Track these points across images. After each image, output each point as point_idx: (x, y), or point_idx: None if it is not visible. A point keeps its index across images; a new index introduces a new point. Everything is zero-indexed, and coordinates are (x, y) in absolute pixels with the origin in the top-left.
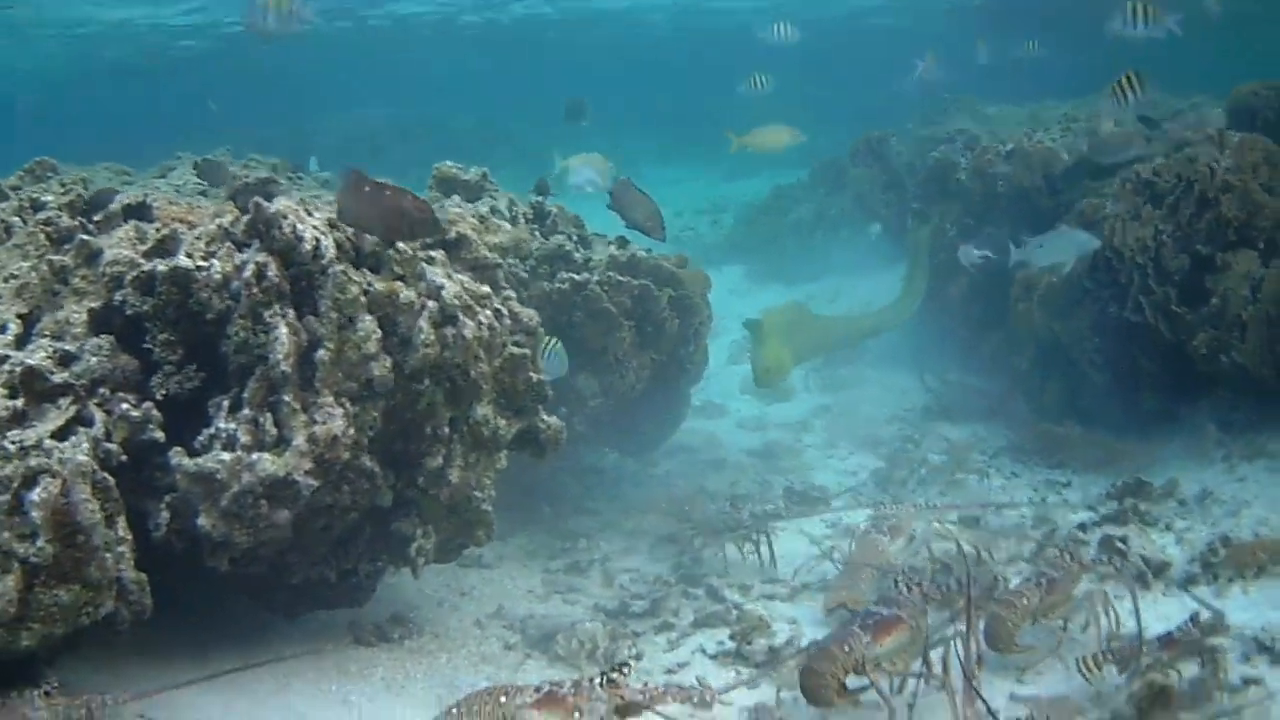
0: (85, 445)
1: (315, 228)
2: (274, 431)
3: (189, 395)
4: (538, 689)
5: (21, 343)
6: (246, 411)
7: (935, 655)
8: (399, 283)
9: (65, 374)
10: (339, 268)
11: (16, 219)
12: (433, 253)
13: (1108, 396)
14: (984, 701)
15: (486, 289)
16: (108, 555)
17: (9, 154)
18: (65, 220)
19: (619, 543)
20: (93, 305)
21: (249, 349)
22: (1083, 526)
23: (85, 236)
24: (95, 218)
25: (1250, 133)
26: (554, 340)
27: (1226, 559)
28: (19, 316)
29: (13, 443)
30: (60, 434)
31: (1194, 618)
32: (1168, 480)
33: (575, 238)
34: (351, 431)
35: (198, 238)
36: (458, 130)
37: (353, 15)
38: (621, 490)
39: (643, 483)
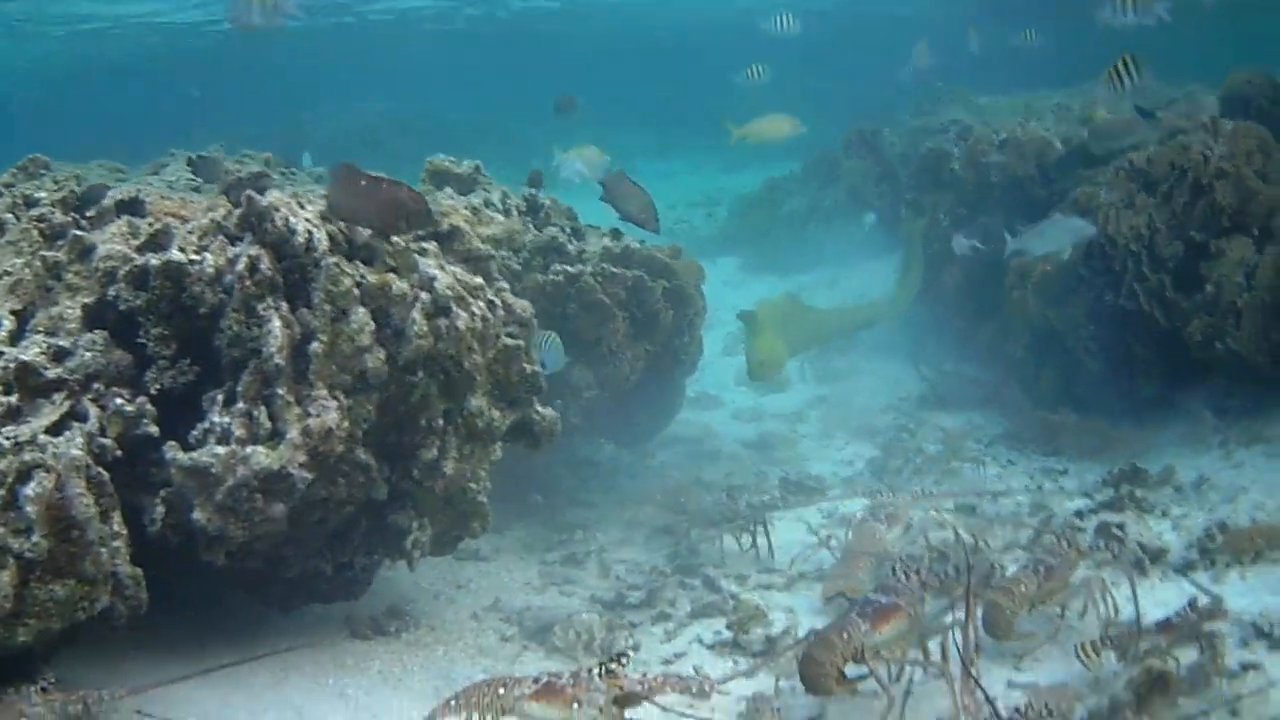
0: (79, 440)
1: (308, 220)
2: (268, 425)
3: (183, 390)
4: (536, 680)
5: (15, 339)
6: (240, 405)
7: (934, 643)
8: (392, 274)
9: (59, 369)
10: (332, 260)
11: (9, 216)
12: (425, 244)
13: (1103, 384)
14: (982, 689)
15: (479, 280)
16: (103, 550)
17: (5, 152)
18: (58, 216)
19: (615, 534)
20: (86, 301)
21: (242, 342)
22: (1079, 514)
23: (78, 232)
24: (88, 213)
25: (1244, 120)
26: (551, 335)
27: (1224, 545)
28: (13, 313)
29: (7, 438)
30: (55, 429)
31: (1192, 603)
32: (1164, 467)
33: (569, 230)
34: (346, 424)
35: (190, 232)
36: (453, 124)
37: (351, 10)
38: (617, 482)
39: (638, 474)
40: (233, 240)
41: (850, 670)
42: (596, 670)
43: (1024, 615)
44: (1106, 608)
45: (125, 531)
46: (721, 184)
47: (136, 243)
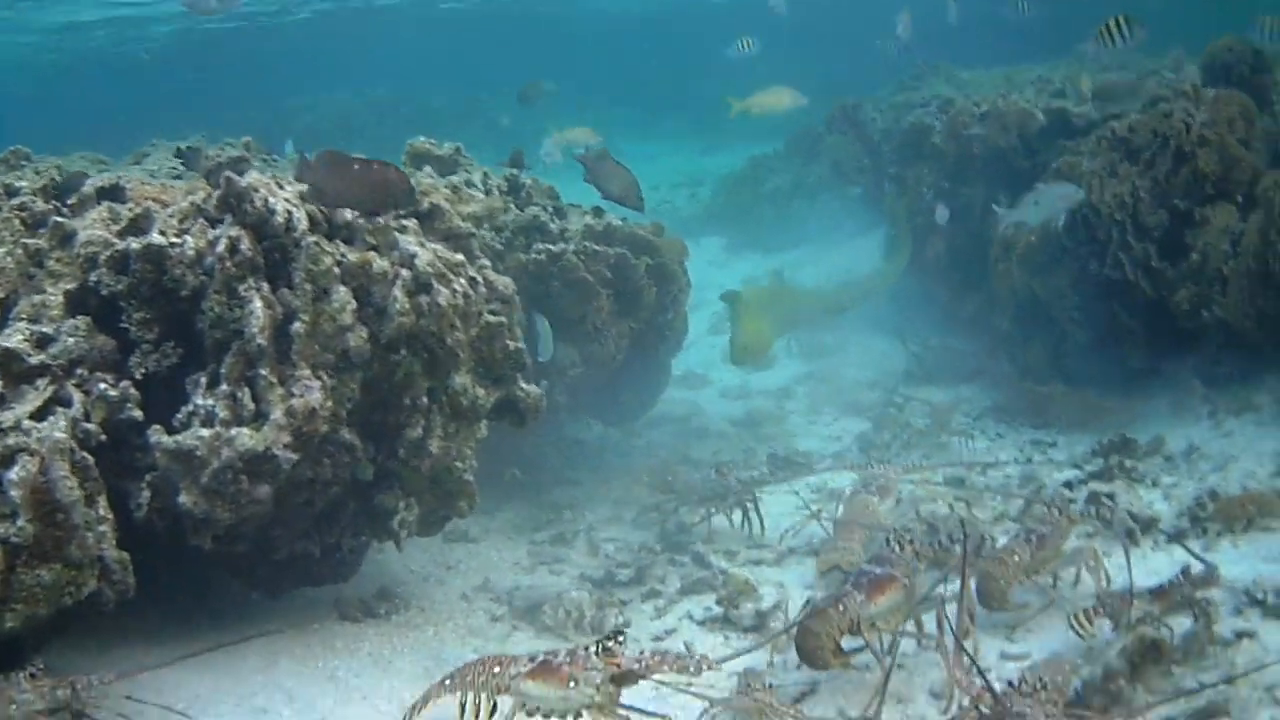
0: (63, 424)
1: (287, 200)
2: (252, 406)
3: (168, 373)
4: (532, 658)
5: None
6: (224, 387)
7: (928, 615)
8: (372, 253)
9: (42, 355)
10: (312, 239)
11: None
12: (405, 222)
13: (1091, 354)
14: (973, 660)
15: (460, 257)
16: (89, 534)
17: None
18: (39, 205)
19: (604, 512)
20: (68, 287)
21: (224, 324)
22: (1069, 484)
23: (59, 219)
24: (69, 201)
25: (1225, 88)
26: (543, 321)
27: (1215, 513)
28: None
29: None
30: (38, 415)
31: (1185, 570)
32: (1154, 437)
33: (550, 209)
34: (330, 404)
35: (170, 215)
36: (436, 109)
37: None
38: (605, 460)
39: (626, 453)
40: (213, 222)
41: (847, 644)
42: (593, 649)
43: (1017, 585)
44: (1099, 577)
45: (111, 516)
46: (703, 165)
47: (117, 228)
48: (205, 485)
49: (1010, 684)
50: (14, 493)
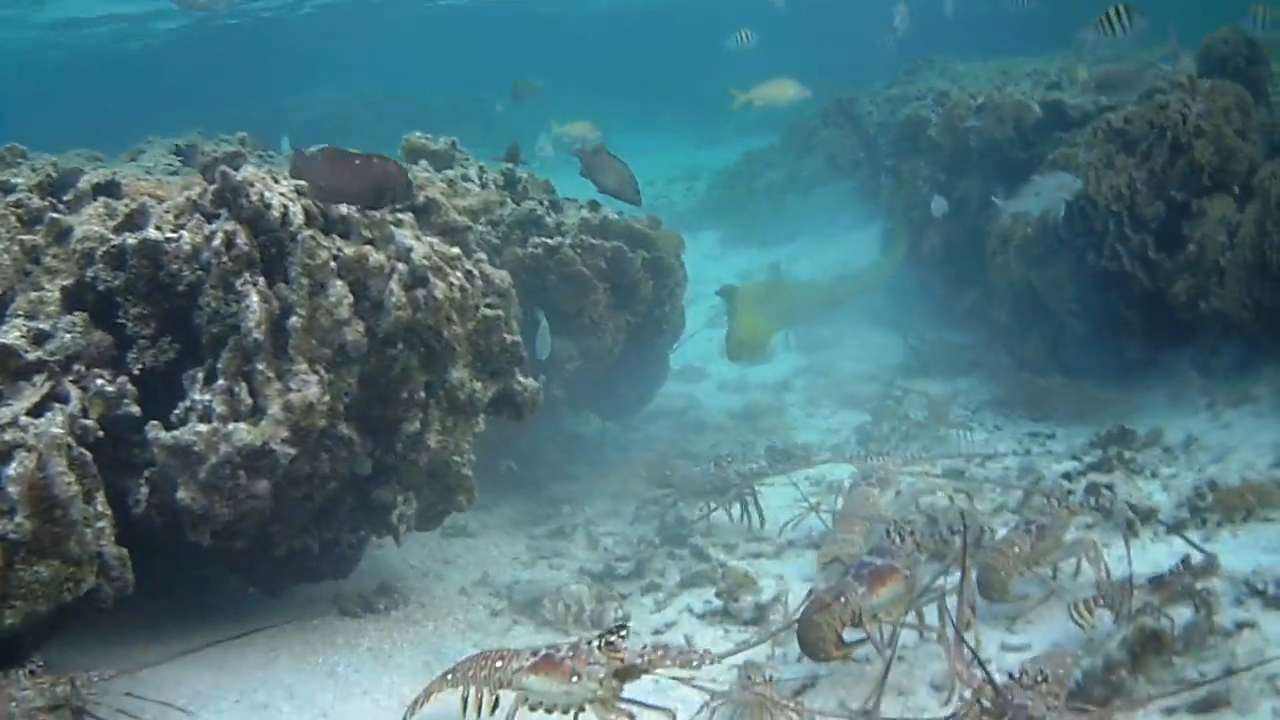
0: (60, 420)
1: (283, 194)
2: (249, 401)
3: (165, 368)
4: (535, 653)
5: None
6: (221, 382)
7: (929, 606)
8: (368, 247)
9: (40, 352)
10: (308, 233)
11: None
12: (401, 216)
13: (1089, 346)
14: (974, 652)
15: (456, 251)
16: (87, 530)
17: None
18: (35, 201)
19: (603, 506)
20: (65, 283)
21: (221, 319)
22: (1068, 476)
23: (55, 215)
24: (65, 197)
25: (1221, 79)
26: (541, 318)
27: (1215, 503)
28: None
29: None
30: (36, 411)
31: (1185, 561)
32: (1152, 428)
33: (546, 203)
34: (327, 398)
35: (166, 211)
36: (435, 109)
37: None
38: (604, 454)
39: (625, 447)
40: (209, 217)
41: (846, 635)
42: (596, 643)
43: (1017, 577)
44: (1099, 568)
45: (109, 512)
46: (699, 159)
47: (113, 223)
48: (203, 481)
49: (1011, 676)
50: (12, 489)
